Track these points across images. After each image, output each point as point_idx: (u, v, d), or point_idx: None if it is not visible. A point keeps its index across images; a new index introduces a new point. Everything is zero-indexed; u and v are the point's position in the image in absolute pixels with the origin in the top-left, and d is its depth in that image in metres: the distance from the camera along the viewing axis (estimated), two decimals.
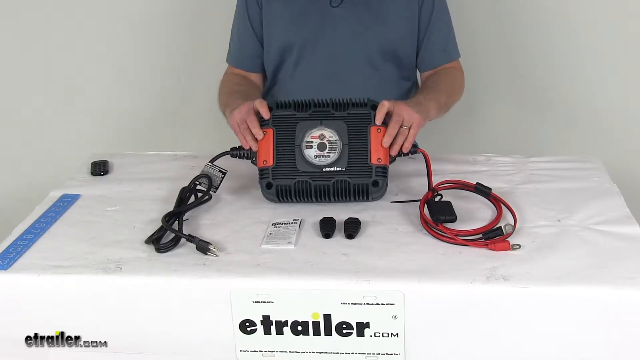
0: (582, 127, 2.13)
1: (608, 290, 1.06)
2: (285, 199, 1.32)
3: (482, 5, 2.04)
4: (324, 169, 1.31)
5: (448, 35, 1.68)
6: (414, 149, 1.36)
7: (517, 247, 1.17)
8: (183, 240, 1.22)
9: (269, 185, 1.32)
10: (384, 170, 1.31)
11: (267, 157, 1.33)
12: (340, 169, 1.31)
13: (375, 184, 1.30)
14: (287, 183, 1.31)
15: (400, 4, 1.61)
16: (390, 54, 1.63)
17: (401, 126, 1.32)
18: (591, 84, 2.08)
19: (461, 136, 2.19)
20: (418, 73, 1.75)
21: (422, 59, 1.67)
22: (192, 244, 1.20)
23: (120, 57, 2.20)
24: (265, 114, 1.34)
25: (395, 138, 1.32)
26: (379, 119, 1.32)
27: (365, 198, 1.32)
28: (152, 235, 1.22)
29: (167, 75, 2.22)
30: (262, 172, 1.33)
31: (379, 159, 1.31)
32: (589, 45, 2.05)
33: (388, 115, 1.33)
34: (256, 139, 1.34)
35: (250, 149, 1.35)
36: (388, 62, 1.63)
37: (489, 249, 1.17)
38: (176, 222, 1.26)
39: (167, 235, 1.23)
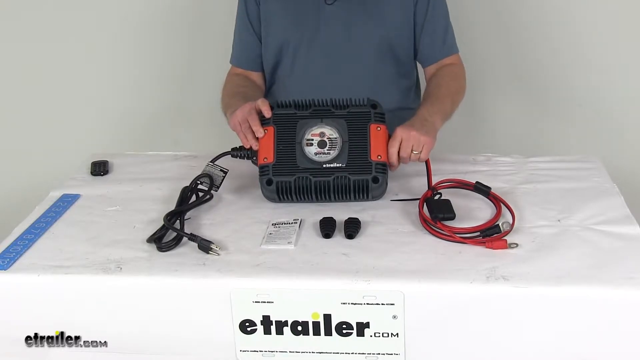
0: (582, 127, 2.14)
1: (608, 290, 1.06)
2: (285, 196, 1.32)
3: (482, 5, 2.04)
4: (324, 166, 1.32)
5: (447, 29, 1.67)
6: None
7: (515, 245, 1.17)
8: (183, 240, 1.22)
9: (269, 182, 1.32)
10: (383, 167, 1.31)
11: (268, 155, 1.33)
12: (340, 165, 1.31)
13: (375, 180, 1.30)
14: (287, 179, 1.31)
15: (395, 2, 1.61)
16: (386, 51, 1.63)
17: (412, 151, 1.34)
18: (591, 84, 2.09)
19: (461, 136, 2.18)
20: (419, 70, 1.75)
21: (422, 55, 1.67)
22: (192, 244, 1.20)
23: (121, 57, 2.20)
24: (267, 113, 1.35)
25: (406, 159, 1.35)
26: (392, 154, 1.33)
27: (365, 195, 1.32)
28: (154, 234, 1.22)
29: (167, 76, 2.22)
30: (263, 169, 1.33)
31: (378, 155, 1.32)
32: (589, 45, 2.05)
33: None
34: (257, 138, 1.34)
35: (251, 148, 1.35)
36: (385, 58, 1.63)
37: (486, 247, 1.17)
38: (177, 221, 1.27)
39: (169, 235, 1.23)
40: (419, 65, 1.73)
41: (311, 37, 1.62)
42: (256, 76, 1.73)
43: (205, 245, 1.18)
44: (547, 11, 2.03)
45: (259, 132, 1.34)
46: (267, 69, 1.70)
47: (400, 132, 1.35)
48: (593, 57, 2.06)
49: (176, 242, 1.21)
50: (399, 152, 1.34)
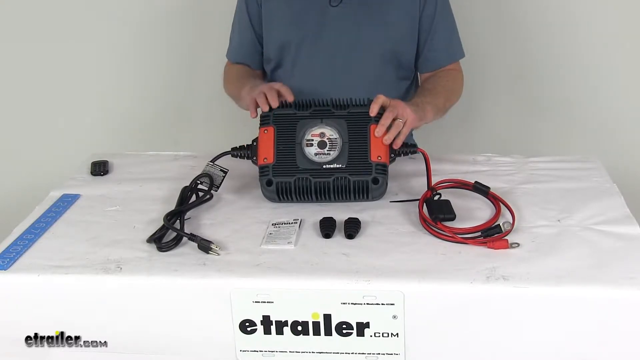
0: (582, 127, 2.13)
1: (608, 290, 1.06)
2: (285, 196, 1.32)
3: (482, 5, 2.04)
4: (324, 166, 1.31)
5: (452, 36, 1.67)
6: (414, 149, 1.36)
7: (516, 245, 1.17)
8: (183, 240, 1.22)
9: (269, 183, 1.32)
10: (384, 168, 1.31)
11: (268, 155, 1.33)
12: (340, 166, 1.31)
13: (375, 181, 1.30)
14: (288, 180, 1.31)
15: (401, 4, 1.61)
16: (389, 55, 1.63)
17: (395, 119, 1.33)
18: (591, 84, 2.09)
19: (461, 136, 2.19)
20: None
21: (424, 60, 1.66)
22: (192, 244, 1.20)
23: (121, 57, 2.20)
24: (290, 97, 1.37)
25: (389, 130, 1.33)
26: (373, 110, 1.33)
27: (365, 196, 1.32)
28: (154, 234, 1.22)
29: (167, 75, 2.22)
30: (263, 169, 1.33)
31: (379, 156, 1.31)
32: (589, 46, 2.05)
33: (383, 109, 1.35)
34: (279, 99, 1.37)
35: (268, 111, 1.36)
36: (387, 62, 1.63)
37: (488, 247, 1.17)
38: (177, 221, 1.27)
39: (169, 235, 1.23)
40: None
41: (313, 38, 1.61)
42: (258, 71, 1.72)
43: (205, 245, 1.18)
44: (546, 12, 2.03)
45: (290, 97, 1.36)
46: (268, 69, 1.70)
47: (384, 97, 1.35)
48: (592, 57, 2.06)
49: (176, 242, 1.21)
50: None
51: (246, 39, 1.69)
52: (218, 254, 1.18)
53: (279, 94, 1.38)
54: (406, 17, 1.61)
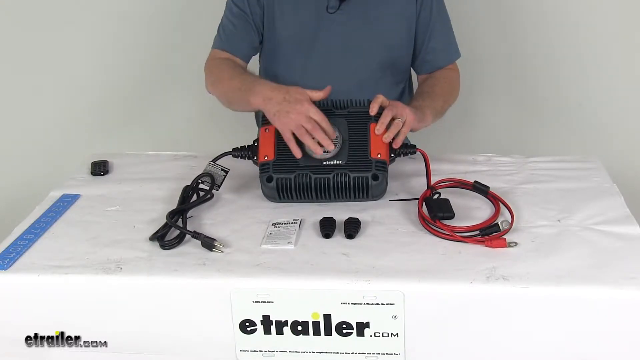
0: (582, 127, 2.14)
1: (608, 290, 1.06)
2: (285, 194, 1.32)
3: (481, 5, 2.04)
4: (325, 163, 1.32)
5: (448, 37, 1.67)
6: (413, 149, 1.37)
7: (514, 244, 1.17)
8: (183, 239, 1.22)
9: (269, 179, 1.32)
10: (383, 165, 1.31)
11: (269, 152, 1.33)
12: (340, 162, 1.31)
13: (375, 177, 1.30)
14: (288, 176, 1.31)
15: (398, 10, 1.60)
16: (385, 62, 1.62)
17: (394, 118, 1.33)
18: (591, 84, 2.09)
19: (461, 136, 2.19)
20: (413, 73, 1.74)
21: (422, 62, 1.66)
22: (191, 244, 1.20)
23: (121, 57, 2.20)
24: (330, 132, 1.31)
25: (389, 129, 1.33)
26: (373, 109, 1.33)
27: (365, 193, 1.31)
28: (157, 232, 1.22)
29: (167, 76, 2.22)
30: (263, 166, 1.33)
31: (379, 154, 1.32)
32: (588, 46, 2.05)
33: (383, 109, 1.35)
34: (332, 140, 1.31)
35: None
36: (383, 69, 1.62)
37: (485, 246, 1.17)
38: (179, 219, 1.27)
39: (171, 233, 1.23)
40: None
41: (310, 45, 1.60)
42: (243, 64, 1.66)
43: (208, 243, 1.19)
44: (546, 11, 2.03)
45: (331, 133, 1.31)
46: (265, 64, 1.69)
47: (383, 97, 1.35)
48: (592, 57, 2.06)
49: (179, 240, 1.21)
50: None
51: (244, 33, 1.63)
52: (222, 252, 1.18)
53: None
54: (403, 24, 1.60)
